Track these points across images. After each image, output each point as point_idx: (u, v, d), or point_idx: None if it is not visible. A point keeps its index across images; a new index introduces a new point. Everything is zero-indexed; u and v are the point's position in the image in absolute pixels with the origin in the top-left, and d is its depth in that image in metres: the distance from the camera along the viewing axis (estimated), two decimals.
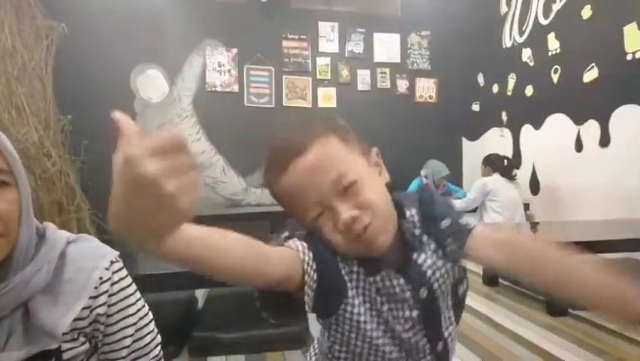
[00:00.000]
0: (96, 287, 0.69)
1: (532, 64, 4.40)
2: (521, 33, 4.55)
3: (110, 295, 0.71)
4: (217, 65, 4.91)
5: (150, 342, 0.77)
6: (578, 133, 3.81)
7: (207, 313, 2.06)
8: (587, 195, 3.73)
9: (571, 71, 3.87)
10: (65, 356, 0.66)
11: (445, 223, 0.66)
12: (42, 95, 4.11)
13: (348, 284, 0.62)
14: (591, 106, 3.65)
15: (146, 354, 0.76)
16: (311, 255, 0.59)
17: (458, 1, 5.39)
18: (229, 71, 4.94)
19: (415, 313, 0.63)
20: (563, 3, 3.96)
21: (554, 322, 2.18)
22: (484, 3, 5.10)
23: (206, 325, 1.90)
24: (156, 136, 0.35)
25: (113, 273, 0.72)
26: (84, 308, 0.68)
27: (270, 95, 5.07)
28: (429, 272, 0.63)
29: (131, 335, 0.74)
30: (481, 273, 2.95)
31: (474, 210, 4.15)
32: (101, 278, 0.70)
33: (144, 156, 0.34)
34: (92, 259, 0.71)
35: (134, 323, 0.74)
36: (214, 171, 4.95)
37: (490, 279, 2.84)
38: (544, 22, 4.21)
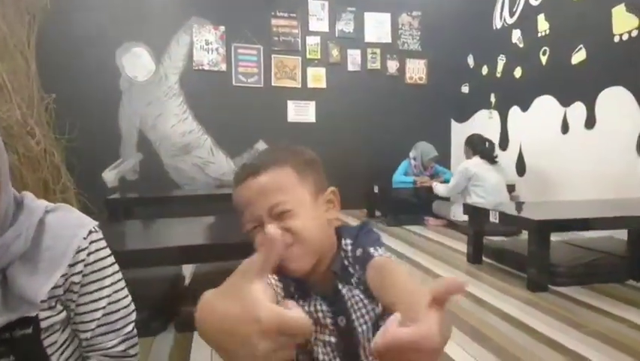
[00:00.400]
0: (74, 256, 0.69)
1: (521, 45, 4.40)
2: (512, 14, 4.53)
3: (85, 265, 0.70)
4: (204, 44, 4.83)
5: (123, 318, 0.76)
6: (565, 115, 3.84)
7: (194, 289, 2.07)
8: (572, 176, 3.79)
9: (559, 52, 3.88)
10: (43, 324, 0.66)
11: (358, 252, 0.71)
12: (25, 72, 4.01)
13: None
14: (578, 88, 3.67)
15: (116, 330, 0.75)
16: (280, 285, 0.68)
17: None
18: (217, 49, 4.86)
19: (333, 339, 0.69)
20: None
21: (534, 297, 2.23)
22: None
23: (192, 300, 1.92)
24: (290, 319, 0.38)
25: (91, 243, 0.72)
26: (61, 276, 0.68)
27: (259, 75, 5.01)
28: (349, 303, 0.69)
29: (103, 308, 0.73)
30: (465, 251, 3.00)
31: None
32: (78, 247, 0.70)
33: (266, 338, 0.38)
34: (71, 228, 0.71)
35: (108, 296, 0.74)
36: (202, 152, 4.92)
37: (474, 257, 2.89)
38: (534, 2, 4.19)
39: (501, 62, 4.72)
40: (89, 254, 0.71)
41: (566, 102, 3.83)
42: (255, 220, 0.69)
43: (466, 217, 3.22)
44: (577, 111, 3.71)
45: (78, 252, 0.70)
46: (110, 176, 4.63)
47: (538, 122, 4.19)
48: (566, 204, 3.22)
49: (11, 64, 3.89)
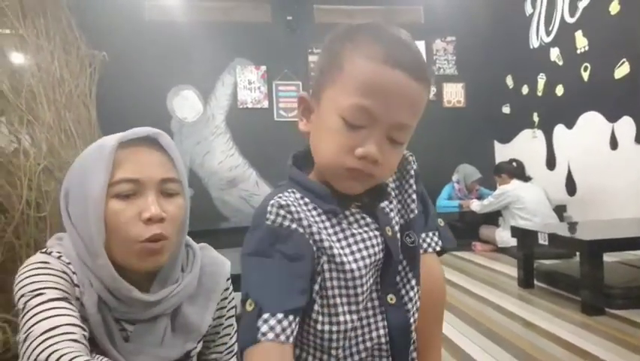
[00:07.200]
0: (224, 290, 0.80)
1: (561, 63, 4.34)
2: (548, 33, 4.50)
3: (228, 295, 0.82)
4: (247, 83, 5.10)
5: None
6: (613, 130, 3.72)
7: None
8: (625, 194, 3.62)
9: (601, 67, 3.80)
10: (191, 353, 0.74)
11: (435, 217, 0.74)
12: (87, 119, 4.39)
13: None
14: (625, 102, 3.56)
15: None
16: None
17: (482, 6, 5.38)
18: (259, 87, 5.12)
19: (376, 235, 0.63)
20: (589, 0, 3.90)
21: (590, 321, 2.14)
22: (509, 5, 5.07)
23: None
24: None
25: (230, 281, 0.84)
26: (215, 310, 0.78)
27: None
28: (391, 214, 0.66)
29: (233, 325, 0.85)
30: (516, 275, 2.92)
31: (498, 215, 4.12)
32: (227, 280, 0.81)
33: None
34: (220, 265, 0.81)
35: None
36: (247, 185, 5.12)
37: (526, 281, 2.81)
38: (570, 20, 4.15)
39: (541, 80, 4.65)
40: (228, 290, 0.83)
41: (612, 117, 3.72)
42: (372, 117, 0.54)
43: (513, 242, 3.16)
44: (625, 126, 3.58)
45: (226, 289, 0.81)
46: None
47: (585, 140, 4.07)
48: (618, 223, 3.09)
49: (76, 113, 4.29)
